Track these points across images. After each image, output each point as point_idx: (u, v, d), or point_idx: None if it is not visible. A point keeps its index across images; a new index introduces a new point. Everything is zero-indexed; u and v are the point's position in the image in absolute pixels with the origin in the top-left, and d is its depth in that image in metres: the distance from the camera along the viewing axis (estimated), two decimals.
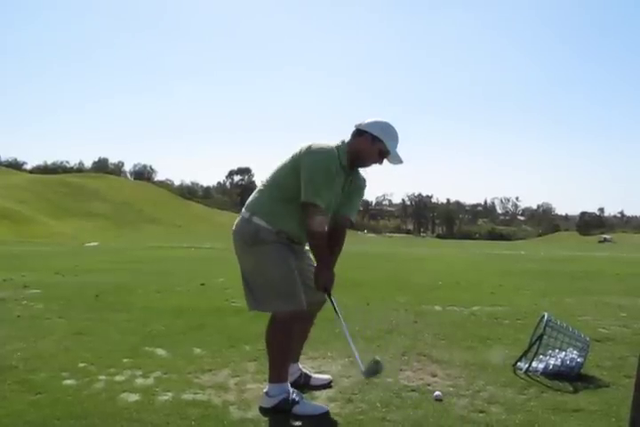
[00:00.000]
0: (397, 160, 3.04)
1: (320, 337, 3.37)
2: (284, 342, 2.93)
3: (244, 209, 3.03)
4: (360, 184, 3.13)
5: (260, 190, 3.03)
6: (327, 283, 2.96)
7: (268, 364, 2.99)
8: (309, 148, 2.91)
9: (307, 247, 3.15)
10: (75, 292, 6.75)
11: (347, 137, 3.05)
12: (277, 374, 2.94)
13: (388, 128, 3.00)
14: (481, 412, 2.87)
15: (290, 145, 3.00)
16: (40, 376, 3.34)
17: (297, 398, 2.89)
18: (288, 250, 2.94)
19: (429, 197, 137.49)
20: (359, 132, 3.01)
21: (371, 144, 2.97)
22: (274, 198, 2.95)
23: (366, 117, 3.05)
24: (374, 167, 3.07)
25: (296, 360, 3.28)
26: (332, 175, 2.87)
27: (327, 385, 3.25)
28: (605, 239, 75.09)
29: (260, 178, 3.00)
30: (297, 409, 2.84)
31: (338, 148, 2.96)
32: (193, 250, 16.84)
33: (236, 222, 3.03)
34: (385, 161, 3.05)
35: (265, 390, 2.94)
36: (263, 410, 2.86)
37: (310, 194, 2.82)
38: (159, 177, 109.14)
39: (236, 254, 3.04)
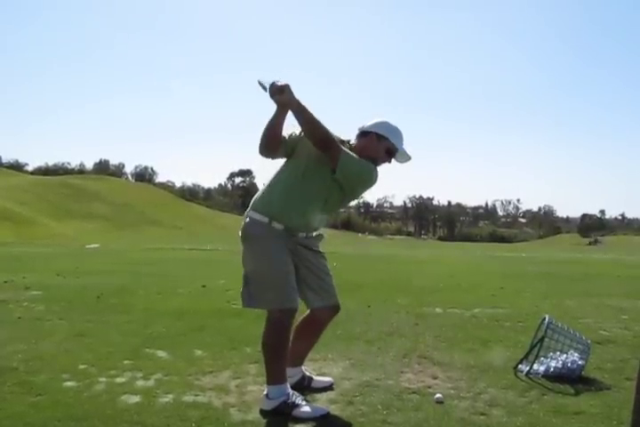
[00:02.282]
0: (405, 157, 3.07)
1: (321, 339, 3.36)
2: (278, 343, 2.92)
3: None
4: None
5: (262, 188, 3.07)
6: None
7: (264, 366, 2.98)
8: None
9: (319, 249, 3.14)
10: (76, 293, 6.75)
11: (346, 137, 3.07)
12: (274, 375, 2.93)
13: (391, 126, 3.04)
14: (482, 414, 2.87)
15: None
16: (40, 378, 3.33)
17: (297, 401, 2.88)
18: (280, 246, 2.91)
19: (430, 200, 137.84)
20: (363, 134, 3.03)
21: (377, 143, 2.99)
22: (271, 189, 2.98)
23: (367, 119, 3.08)
24: (380, 167, 3.06)
25: (300, 364, 3.27)
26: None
27: (328, 387, 3.24)
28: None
29: (262, 180, 3.02)
30: (297, 411, 2.83)
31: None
32: (194, 252, 16.83)
33: None
34: (393, 161, 3.07)
35: (265, 393, 2.93)
36: (264, 412, 2.85)
37: None
38: (160, 179, 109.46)
39: None
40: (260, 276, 2.93)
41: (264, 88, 2.74)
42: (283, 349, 2.94)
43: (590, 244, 70.95)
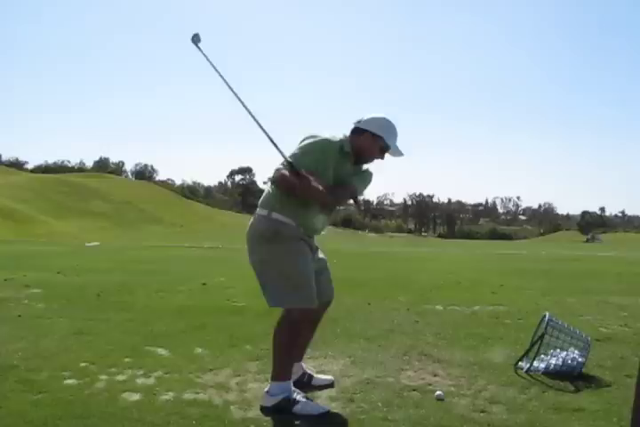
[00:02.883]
0: (398, 153, 3.10)
1: (321, 337, 3.37)
2: (291, 341, 2.94)
3: (259, 207, 3.00)
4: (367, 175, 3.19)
5: (273, 187, 3.01)
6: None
7: (271, 362, 2.99)
8: (309, 134, 2.99)
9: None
10: (76, 291, 6.75)
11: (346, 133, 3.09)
12: (280, 372, 2.94)
13: (386, 124, 3.05)
14: (482, 411, 2.87)
15: (291, 145, 3.00)
16: (41, 376, 3.34)
17: (298, 398, 2.89)
18: (305, 247, 2.97)
19: (431, 197, 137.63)
20: (358, 131, 3.03)
21: (372, 142, 3.02)
22: (291, 200, 2.92)
23: (366, 115, 3.08)
24: (378, 165, 3.12)
25: (299, 360, 3.28)
26: (319, 148, 2.90)
27: (329, 385, 3.25)
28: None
29: (262, 178, 3.01)
30: (298, 409, 2.84)
31: (342, 139, 3.01)
32: (194, 250, 16.82)
33: (251, 221, 3.01)
34: (392, 157, 3.12)
35: (266, 390, 2.94)
36: (264, 410, 2.86)
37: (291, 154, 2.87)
38: (160, 177, 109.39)
39: (250, 252, 2.99)
40: (287, 276, 2.90)
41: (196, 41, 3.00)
42: (294, 347, 2.98)
43: (587, 241, 70.65)
